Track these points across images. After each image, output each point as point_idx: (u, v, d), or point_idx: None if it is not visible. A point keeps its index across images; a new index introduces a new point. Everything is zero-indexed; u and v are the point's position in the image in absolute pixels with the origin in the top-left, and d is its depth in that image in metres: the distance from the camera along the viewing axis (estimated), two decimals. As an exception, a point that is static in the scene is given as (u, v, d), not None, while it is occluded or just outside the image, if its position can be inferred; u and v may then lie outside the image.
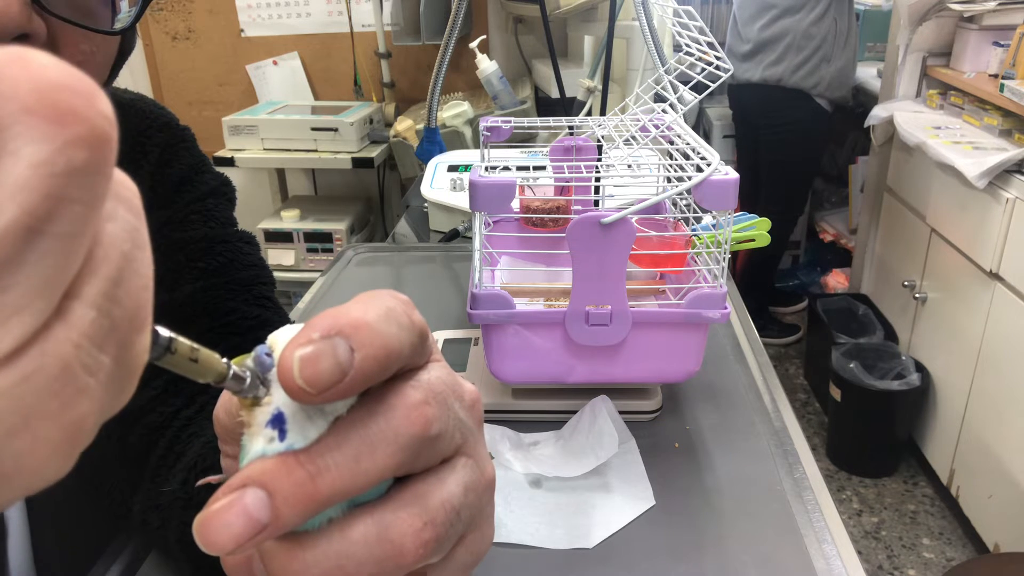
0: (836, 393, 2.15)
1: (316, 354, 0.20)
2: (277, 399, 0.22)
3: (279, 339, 0.23)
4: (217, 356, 0.21)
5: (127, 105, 0.57)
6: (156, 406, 0.54)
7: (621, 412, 0.71)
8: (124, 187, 0.17)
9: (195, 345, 0.21)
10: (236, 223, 0.61)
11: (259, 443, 0.22)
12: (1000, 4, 1.96)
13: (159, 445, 0.54)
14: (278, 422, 0.22)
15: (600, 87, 1.35)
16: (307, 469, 0.21)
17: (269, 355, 0.23)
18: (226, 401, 0.27)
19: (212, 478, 0.26)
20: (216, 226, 0.58)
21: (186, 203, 0.57)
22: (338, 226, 2.41)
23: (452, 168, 1.35)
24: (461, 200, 1.26)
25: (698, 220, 0.77)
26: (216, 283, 0.56)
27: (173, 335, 0.20)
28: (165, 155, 0.57)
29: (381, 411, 0.22)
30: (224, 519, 0.20)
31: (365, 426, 0.22)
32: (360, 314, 0.21)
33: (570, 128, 0.87)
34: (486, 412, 0.75)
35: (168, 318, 0.54)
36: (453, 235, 1.26)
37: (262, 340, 0.24)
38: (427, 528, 0.22)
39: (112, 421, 0.17)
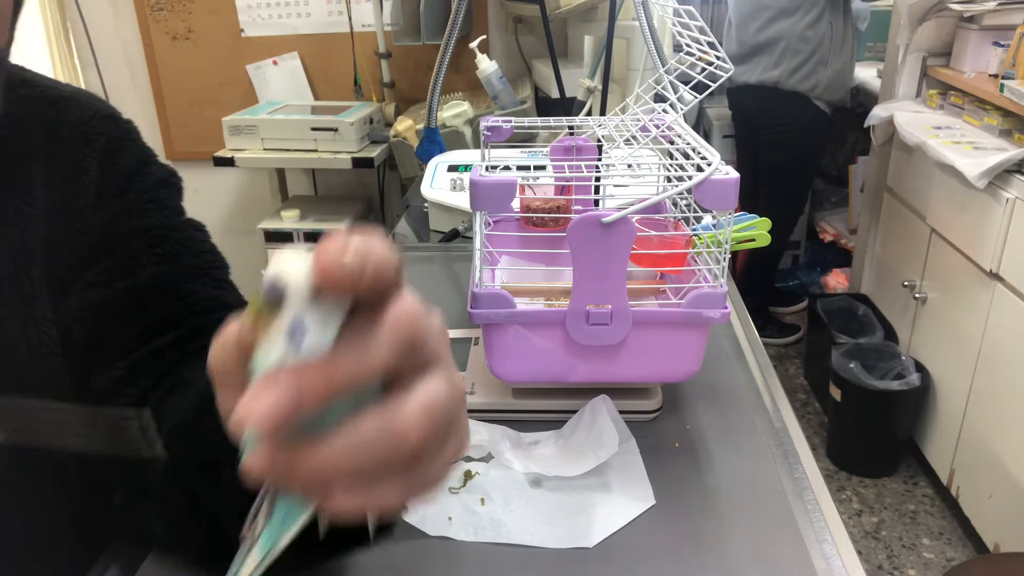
0: (836, 393, 2.15)
1: (348, 248, 0.25)
2: (293, 312, 0.25)
3: (287, 258, 0.26)
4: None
5: (68, 98, 0.59)
6: (123, 387, 0.54)
7: (621, 412, 0.71)
8: None
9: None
10: (185, 212, 0.63)
11: (278, 349, 0.25)
12: (1000, 4, 1.96)
13: None
14: (298, 329, 0.25)
15: (600, 87, 1.36)
16: (325, 361, 0.25)
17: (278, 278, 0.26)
18: (222, 342, 0.29)
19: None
20: (170, 214, 0.60)
21: (139, 192, 0.59)
22: (338, 226, 2.40)
23: (452, 168, 1.35)
24: (461, 200, 1.26)
25: (698, 220, 0.77)
26: (175, 268, 0.58)
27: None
28: (112, 145, 0.59)
29: (379, 320, 0.27)
30: (262, 398, 0.24)
31: (367, 331, 0.26)
32: (367, 237, 0.26)
33: (570, 128, 0.87)
34: (486, 412, 0.75)
35: (131, 301, 0.55)
36: (453, 235, 1.26)
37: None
38: (425, 419, 0.27)
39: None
